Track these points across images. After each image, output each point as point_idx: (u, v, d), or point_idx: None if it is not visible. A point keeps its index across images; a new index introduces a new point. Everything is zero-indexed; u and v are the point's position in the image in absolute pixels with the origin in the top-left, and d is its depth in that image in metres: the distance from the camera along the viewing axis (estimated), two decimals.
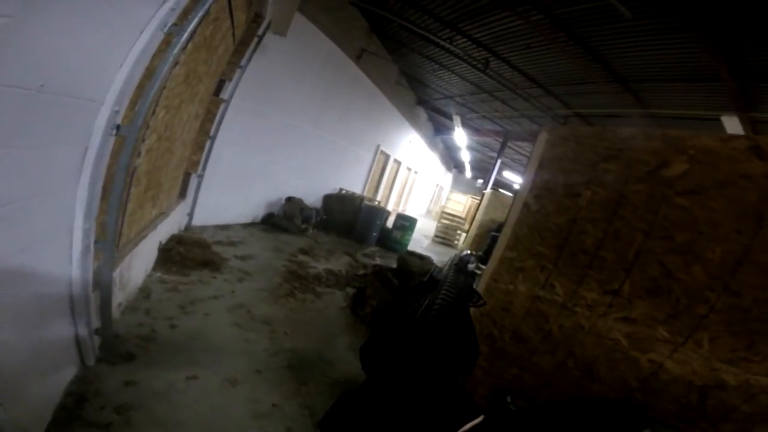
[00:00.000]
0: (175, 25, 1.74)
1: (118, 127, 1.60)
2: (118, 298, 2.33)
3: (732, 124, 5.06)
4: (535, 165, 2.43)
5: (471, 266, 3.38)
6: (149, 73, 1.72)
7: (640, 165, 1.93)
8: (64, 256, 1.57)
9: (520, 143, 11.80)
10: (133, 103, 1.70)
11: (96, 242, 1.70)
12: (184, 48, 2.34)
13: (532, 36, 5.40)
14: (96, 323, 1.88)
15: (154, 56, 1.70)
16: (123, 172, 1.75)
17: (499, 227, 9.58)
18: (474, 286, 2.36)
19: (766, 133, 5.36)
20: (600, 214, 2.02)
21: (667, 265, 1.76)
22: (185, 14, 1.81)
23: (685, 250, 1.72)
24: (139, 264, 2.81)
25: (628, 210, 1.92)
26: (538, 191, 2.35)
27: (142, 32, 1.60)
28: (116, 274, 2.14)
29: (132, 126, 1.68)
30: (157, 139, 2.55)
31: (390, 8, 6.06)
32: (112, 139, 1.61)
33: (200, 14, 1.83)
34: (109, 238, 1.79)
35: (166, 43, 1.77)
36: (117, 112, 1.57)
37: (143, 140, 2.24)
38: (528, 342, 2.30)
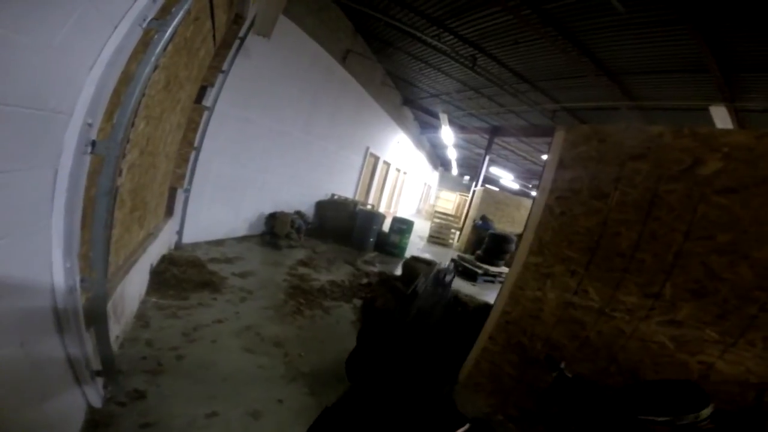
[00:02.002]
0: (155, 19, 1.51)
1: (93, 144, 1.34)
2: (115, 330, 2.16)
3: (720, 115, 5.18)
4: (554, 165, 2.35)
5: (448, 277, 3.33)
6: (126, 78, 1.48)
7: (672, 164, 1.87)
8: (46, 301, 1.34)
9: (507, 139, 11.87)
10: (110, 113, 1.45)
11: (82, 281, 1.48)
12: (164, 49, 2.16)
13: (521, 31, 5.39)
14: (96, 364, 1.71)
15: (132, 57, 1.46)
16: (105, 197, 1.47)
17: (483, 218, 9.70)
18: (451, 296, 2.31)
19: (750, 123, 5.51)
20: (633, 216, 1.95)
21: (710, 266, 1.70)
22: (166, 10, 1.61)
23: (730, 250, 1.66)
24: (132, 291, 2.62)
25: (663, 210, 1.86)
26: (560, 193, 2.28)
27: (116, 27, 1.34)
28: (109, 306, 1.93)
29: (111, 141, 1.42)
30: (139, 154, 2.34)
31: (376, 6, 5.95)
32: (88, 158, 1.35)
33: (183, 10, 1.62)
34: (98, 274, 1.58)
35: (146, 41, 1.53)
36: (90, 125, 1.31)
37: (124, 156, 2.01)
38: (562, 350, 2.22)
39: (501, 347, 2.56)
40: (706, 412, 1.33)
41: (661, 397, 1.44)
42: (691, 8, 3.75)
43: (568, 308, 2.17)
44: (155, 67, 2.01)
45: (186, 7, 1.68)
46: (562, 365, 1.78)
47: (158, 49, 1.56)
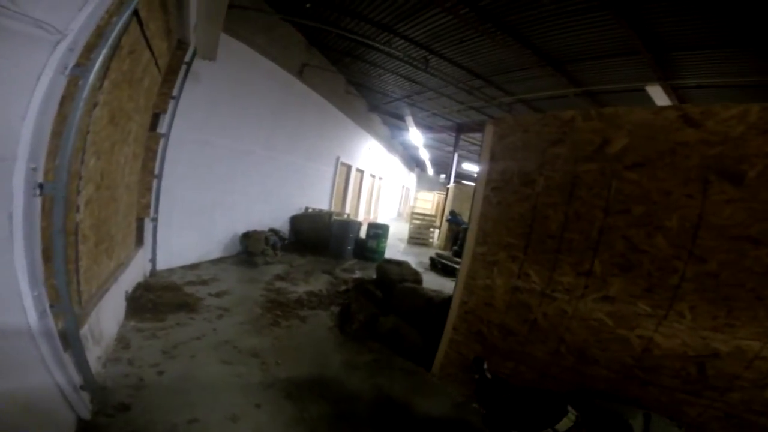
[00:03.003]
0: (78, 65, 1.61)
1: (41, 186, 1.49)
2: (96, 352, 2.32)
3: (657, 94, 5.44)
4: (487, 157, 2.45)
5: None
6: (64, 121, 1.61)
7: (585, 145, 1.99)
8: (21, 324, 1.52)
9: (472, 135, 12.12)
10: (53, 155, 1.59)
11: (51, 306, 1.65)
12: (100, 87, 2.21)
13: (464, 29, 5.55)
14: (78, 380, 1.87)
15: (64, 101, 1.59)
16: (60, 234, 1.63)
17: (452, 213, 9.89)
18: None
19: (689, 99, 5.82)
20: (558, 198, 2.05)
21: (631, 239, 1.81)
22: (88, 52, 1.67)
23: (645, 222, 1.77)
24: (108, 316, 2.75)
25: (583, 190, 1.97)
26: (495, 183, 2.37)
27: (39, 78, 1.47)
28: (86, 330, 2.11)
29: (58, 182, 1.56)
30: (95, 189, 2.42)
31: (326, 19, 6.03)
32: (38, 200, 1.50)
33: (105, 51, 1.69)
34: (64, 301, 1.73)
35: (74, 85, 1.63)
36: (35, 169, 1.45)
37: (78, 192, 2.11)
38: (517, 334, 2.29)
39: (464, 336, 2.63)
40: (564, 423, 1.41)
41: (530, 410, 1.52)
42: None
43: (515, 293, 2.26)
44: (93, 105, 2.14)
45: (106, 49, 1.74)
46: (485, 366, 1.86)
47: (86, 92, 1.65)
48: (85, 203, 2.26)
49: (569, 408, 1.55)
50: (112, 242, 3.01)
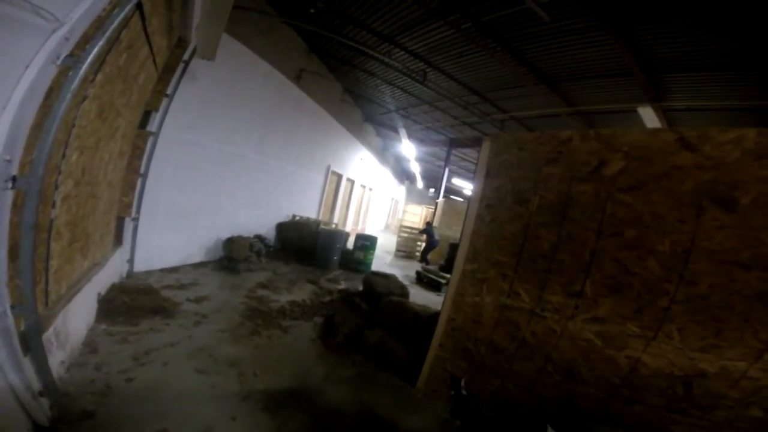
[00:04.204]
0: (70, 56, 1.56)
1: (14, 179, 1.42)
2: (60, 356, 2.23)
3: (648, 115, 5.59)
4: (482, 174, 2.44)
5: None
6: (47, 113, 1.55)
7: (581, 166, 1.99)
8: None
9: (464, 150, 12.26)
10: (31, 148, 1.53)
11: (12, 307, 1.57)
12: (92, 80, 2.16)
13: (464, 44, 5.66)
14: (38, 386, 1.79)
15: (51, 92, 1.54)
16: (30, 230, 1.55)
17: (427, 224, 9.97)
18: None
19: (676, 122, 6.00)
20: (551, 218, 2.04)
21: (622, 262, 1.80)
22: (84, 42, 1.62)
23: (637, 245, 1.76)
24: (77, 319, 2.65)
25: (576, 211, 1.95)
26: (489, 201, 2.35)
27: (27, 67, 1.43)
28: (50, 333, 2.02)
29: (32, 176, 1.50)
30: (74, 185, 2.35)
31: (328, 26, 6.05)
32: (9, 194, 1.44)
33: (102, 42, 1.64)
34: (28, 303, 1.65)
35: (64, 76, 1.58)
36: (9, 161, 1.40)
37: (56, 187, 2.04)
38: (504, 352, 2.25)
39: (450, 354, 2.58)
40: None
41: (508, 429, 1.50)
42: (609, 13, 4.05)
43: (504, 311, 2.22)
44: (83, 99, 2.09)
45: (103, 41, 1.69)
46: (462, 383, 1.85)
47: (75, 84, 1.60)
48: (63, 199, 2.19)
49: (549, 428, 1.52)
50: (88, 241, 2.92)
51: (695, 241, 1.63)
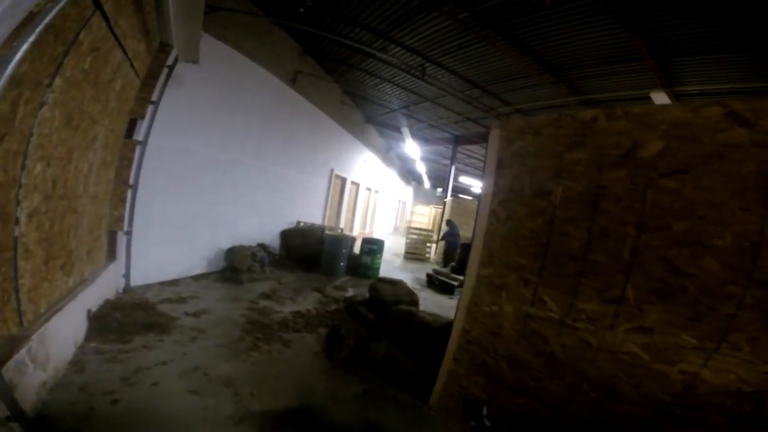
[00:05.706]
0: None
1: None
2: (39, 377, 2.12)
3: (662, 100, 5.24)
4: (493, 166, 2.15)
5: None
6: None
7: (611, 149, 1.69)
8: None
9: (469, 147, 11.95)
10: None
11: None
12: (49, 85, 2.02)
13: (462, 35, 5.39)
14: (4, 411, 1.66)
15: None
16: None
17: (449, 222, 9.51)
18: None
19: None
20: (579, 211, 1.74)
21: (672, 261, 1.49)
22: (12, 40, 1.43)
23: (690, 240, 1.46)
24: (60, 337, 2.52)
25: (610, 202, 1.66)
26: (503, 195, 2.06)
27: None
28: (22, 354, 1.89)
29: None
30: (43, 200, 2.20)
31: (319, 24, 5.85)
32: None
33: (25, 46, 1.44)
34: None
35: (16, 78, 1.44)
36: None
37: (18, 202, 1.89)
38: (529, 367, 1.95)
39: (466, 369, 2.30)
40: None
41: None
42: None
43: (528, 321, 1.92)
44: (41, 105, 1.90)
45: (28, 43, 1.47)
46: (484, 412, 1.56)
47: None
48: (29, 215, 2.03)
49: None
50: (72, 257, 2.80)
51: (765, 233, 1.32)
